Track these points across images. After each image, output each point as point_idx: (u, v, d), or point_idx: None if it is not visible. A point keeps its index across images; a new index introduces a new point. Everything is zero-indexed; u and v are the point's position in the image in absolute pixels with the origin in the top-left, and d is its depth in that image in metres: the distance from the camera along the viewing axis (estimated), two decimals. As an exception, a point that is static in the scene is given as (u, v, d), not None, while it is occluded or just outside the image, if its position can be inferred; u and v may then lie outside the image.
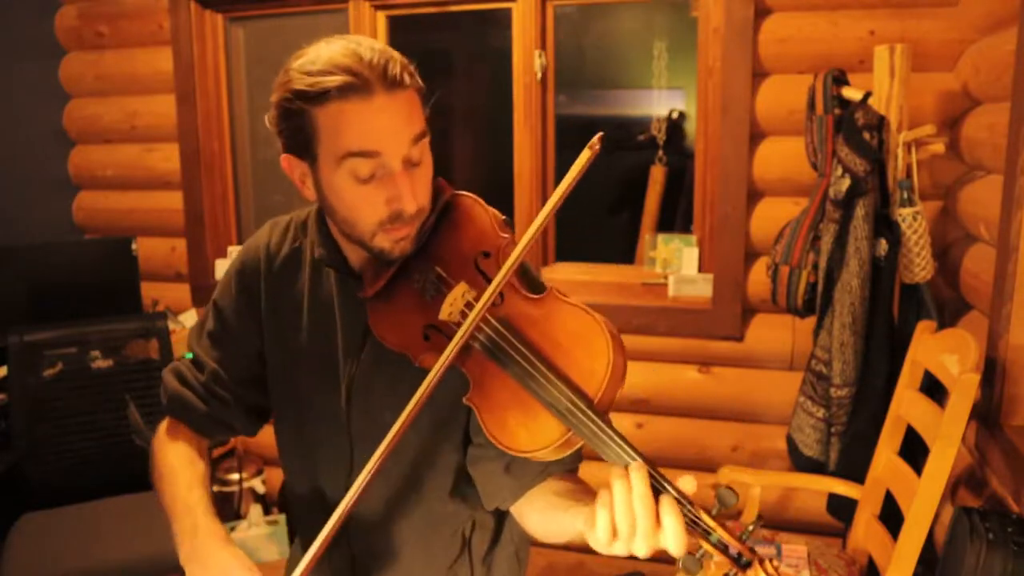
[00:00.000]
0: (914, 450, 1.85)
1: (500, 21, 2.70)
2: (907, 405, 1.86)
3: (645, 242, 2.79)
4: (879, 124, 1.92)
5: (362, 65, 0.89)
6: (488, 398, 0.88)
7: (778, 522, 2.43)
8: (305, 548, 1.10)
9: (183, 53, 2.92)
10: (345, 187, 0.94)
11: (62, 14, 3.06)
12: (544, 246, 2.77)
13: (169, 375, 1.18)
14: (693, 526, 0.77)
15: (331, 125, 0.91)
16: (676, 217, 2.99)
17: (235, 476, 2.88)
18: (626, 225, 3.16)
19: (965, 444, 1.79)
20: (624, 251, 3.04)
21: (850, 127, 1.93)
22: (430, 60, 3.08)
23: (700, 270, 2.58)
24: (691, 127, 2.85)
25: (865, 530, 1.92)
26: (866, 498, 1.94)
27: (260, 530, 2.74)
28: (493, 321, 0.89)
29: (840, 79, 2.05)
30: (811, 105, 2.08)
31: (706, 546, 0.77)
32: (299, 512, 1.22)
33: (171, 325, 2.59)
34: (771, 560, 0.78)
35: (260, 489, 2.93)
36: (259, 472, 2.92)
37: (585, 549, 2.94)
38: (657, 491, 0.78)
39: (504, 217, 1.00)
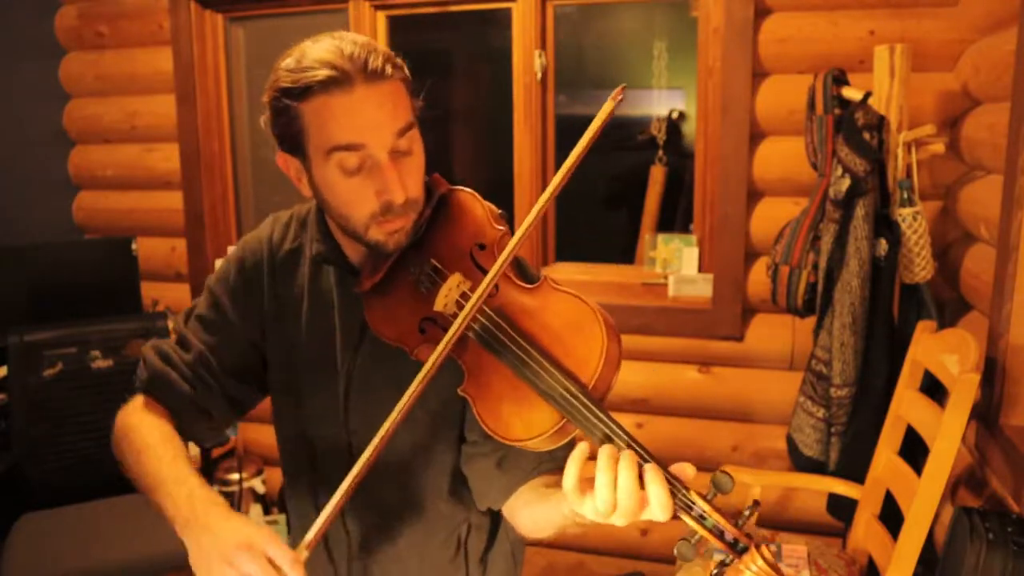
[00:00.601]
0: (914, 450, 1.85)
1: (500, 21, 2.70)
2: (907, 405, 1.86)
3: (645, 242, 2.79)
4: (879, 124, 1.92)
5: (343, 59, 0.91)
6: (482, 388, 0.88)
7: (778, 522, 2.43)
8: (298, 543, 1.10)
9: (183, 53, 2.92)
10: (335, 181, 0.95)
11: (62, 14, 3.06)
12: (544, 246, 2.77)
13: (150, 352, 1.14)
14: (687, 510, 0.77)
15: (316, 120, 0.93)
16: (676, 217, 2.99)
17: (235, 476, 2.88)
18: (626, 225, 3.16)
19: (965, 444, 1.79)
20: (624, 251, 3.04)
21: (850, 127, 1.93)
22: (430, 60, 3.08)
23: (700, 270, 2.58)
24: (691, 127, 2.85)
25: (865, 530, 1.92)
26: (866, 498, 1.94)
27: (260, 530, 2.73)
28: (488, 311, 0.90)
29: (840, 79, 2.05)
30: (811, 105, 2.08)
31: (701, 531, 0.77)
32: (295, 506, 1.21)
33: (171, 325, 2.59)
34: (767, 545, 0.77)
35: (260, 489, 2.93)
36: (259, 472, 2.92)
37: (585, 549, 2.95)
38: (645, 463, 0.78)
39: (500, 211, 1.01)
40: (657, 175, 2.99)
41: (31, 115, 3.05)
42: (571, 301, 0.87)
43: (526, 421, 0.84)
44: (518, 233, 0.89)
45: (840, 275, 1.98)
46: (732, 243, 2.42)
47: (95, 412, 2.41)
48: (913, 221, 1.95)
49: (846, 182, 1.92)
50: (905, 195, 1.96)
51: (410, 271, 1.00)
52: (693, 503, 0.77)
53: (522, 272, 1.02)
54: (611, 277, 2.74)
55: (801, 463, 2.14)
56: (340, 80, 0.91)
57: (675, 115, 3.00)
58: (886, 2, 2.21)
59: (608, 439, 0.79)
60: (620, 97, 0.88)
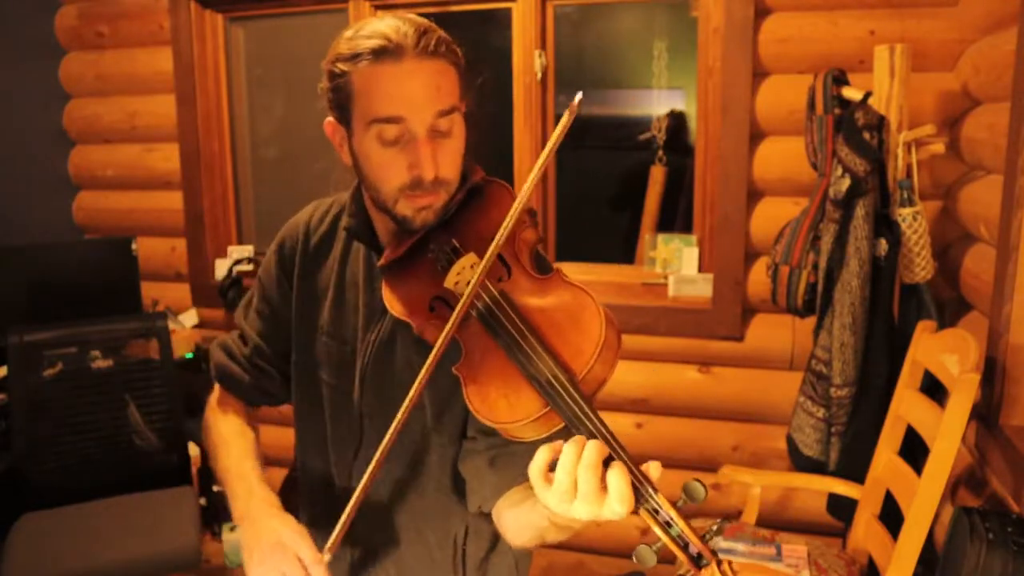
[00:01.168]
0: (914, 450, 1.85)
1: (500, 21, 2.70)
2: (907, 405, 1.86)
3: (645, 242, 2.79)
4: (879, 124, 1.92)
5: (399, 34, 0.94)
6: (475, 368, 0.89)
7: (778, 522, 2.43)
8: (310, 522, 1.11)
9: (183, 53, 2.92)
10: (372, 149, 0.98)
11: (62, 14, 3.06)
12: (544, 246, 2.78)
13: (216, 348, 1.25)
14: (652, 514, 0.75)
15: (363, 88, 0.96)
16: (676, 217, 2.99)
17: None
18: (626, 225, 3.16)
19: (965, 444, 1.79)
20: (624, 251, 3.04)
21: (850, 127, 1.93)
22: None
23: (700, 270, 2.58)
24: (691, 127, 2.85)
25: (865, 530, 1.92)
26: (866, 498, 1.94)
27: (260, 530, 2.73)
28: (493, 291, 0.91)
29: (840, 79, 2.05)
30: (811, 105, 2.08)
31: (664, 538, 0.75)
32: (308, 485, 1.24)
33: (171, 325, 2.59)
34: (729, 563, 0.75)
35: (260, 489, 2.93)
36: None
37: (585, 549, 2.95)
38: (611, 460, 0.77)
39: (532, 208, 1.03)
40: (657, 175, 2.99)
41: (31, 115, 3.05)
42: (576, 294, 0.88)
43: (511, 404, 0.84)
44: (515, 203, 0.91)
45: (840, 275, 1.98)
46: (732, 243, 2.42)
47: (95, 412, 2.41)
48: (913, 221, 1.95)
49: (846, 182, 1.92)
50: (905, 195, 1.96)
51: (430, 249, 1.02)
52: (660, 507, 0.75)
53: (538, 262, 1.03)
54: (611, 277, 2.74)
55: (801, 463, 2.14)
56: (391, 51, 0.94)
57: (674, 115, 3.00)
58: (886, 2, 2.21)
59: (587, 429, 0.79)
60: (576, 108, 0.89)
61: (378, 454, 0.93)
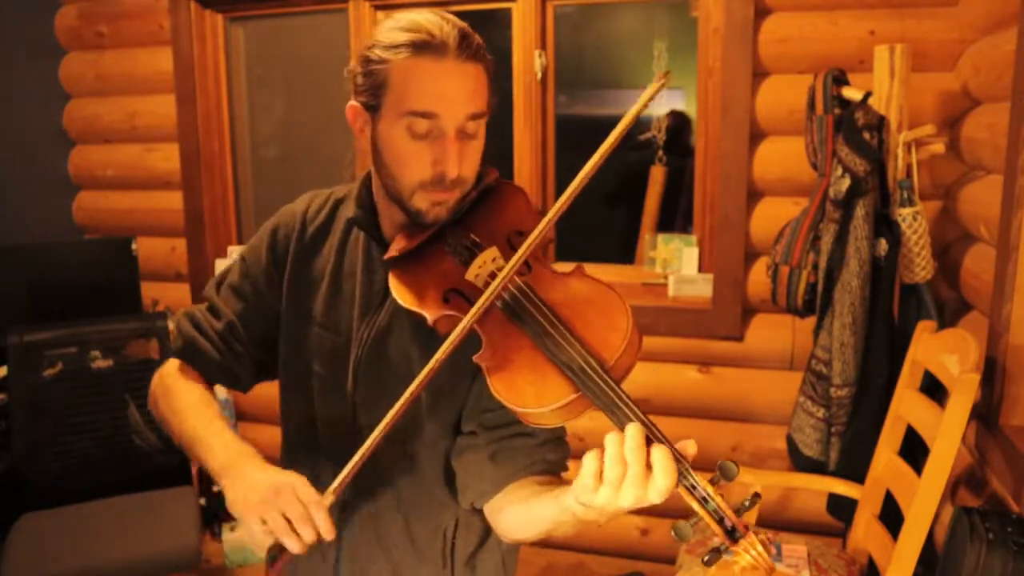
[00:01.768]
0: (914, 450, 1.85)
1: (500, 21, 2.70)
2: (907, 405, 1.86)
3: (645, 242, 2.79)
4: (879, 124, 1.92)
5: (443, 32, 0.96)
6: (499, 357, 0.90)
7: (778, 522, 2.43)
8: None
9: (183, 53, 2.92)
10: (400, 141, 0.99)
11: (62, 14, 3.06)
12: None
13: (184, 319, 1.20)
14: (691, 490, 0.78)
15: (401, 78, 0.97)
16: (676, 217, 2.99)
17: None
18: (626, 225, 3.16)
19: (965, 444, 1.79)
20: (624, 251, 3.04)
21: (850, 127, 1.93)
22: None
23: (700, 270, 2.58)
24: (691, 127, 2.85)
25: (865, 530, 1.92)
26: (866, 498, 1.94)
27: (260, 530, 2.73)
28: (519, 282, 0.93)
29: (840, 79, 2.05)
30: (811, 105, 2.08)
31: (701, 512, 0.78)
32: (293, 467, 1.21)
33: (171, 325, 2.59)
34: (768, 537, 0.80)
35: (260, 489, 2.93)
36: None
37: (585, 549, 2.95)
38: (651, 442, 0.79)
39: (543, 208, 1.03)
40: (657, 175, 2.99)
41: (31, 115, 3.05)
42: (602, 288, 0.91)
43: (539, 391, 0.85)
44: (553, 209, 0.93)
45: (840, 275, 1.98)
46: (732, 243, 2.42)
47: (95, 412, 2.41)
48: (913, 221, 1.95)
49: (846, 182, 1.92)
50: (905, 195, 1.96)
51: (446, 242, 1.03)
52: (697, 483, 0.78)
53: (545, 251, 1.06)
54: (611, 277, 2.74)
55: (801, 463, 2.14)
56: (436, 47, 0.95)
57: (673, 116, 3.00)
58: (886, 2, 2.21)
59: (623, 413, 0.81)
60: (663, 81, 0.91)
61: (382, 425, 0.92)
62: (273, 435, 1.27)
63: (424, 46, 0.95)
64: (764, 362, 2.47)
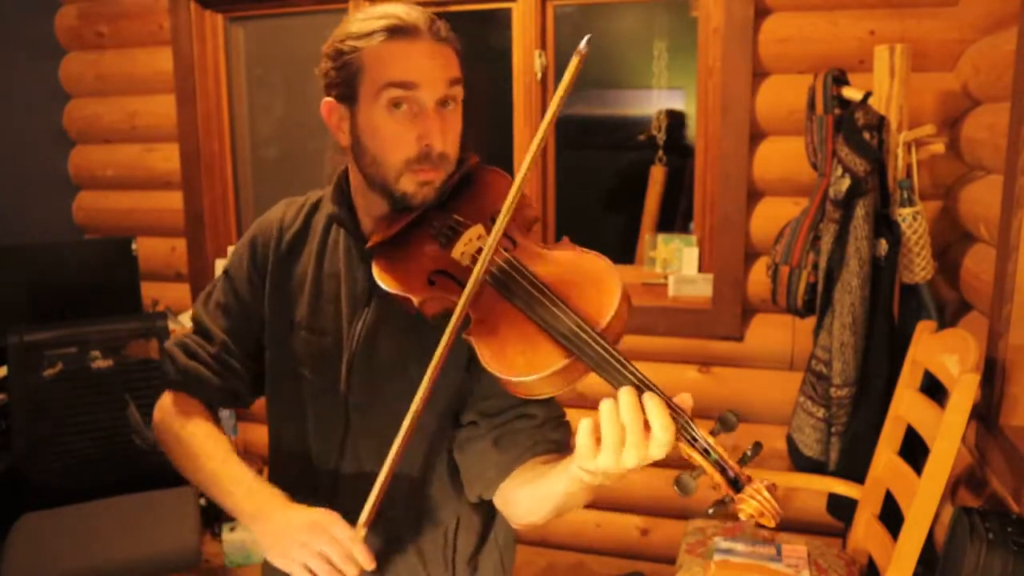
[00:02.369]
0: (914, 450, 1.85)
1: (500, 21, 2.70)
2: (907, 405, 1.86)
3: (645, 242, 2.79)
4: (879, 124, 1.92)
5: (412, 17, 1.00)
6: (489, 331, 0.90)
7: (778, 522, 2.43)
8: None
9: (183, 53, 2.92)
10: (381, 120, 1.00)
11: (62, 14, 3.06)
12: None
13: (176, 349, 1.18)
14: (692, 443, 0.78)
15: (376, 61, 0.99)
16: (676, 217, 2.99)
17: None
18: (626, 225, 3.16)
19: (965, 444, 1.79)
20: (624, 251, 3.04)
21: (850, 127, 1.93)
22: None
23: (700, 270, 2.58)
24: (691, 127, 2.85)
25: (865, 530, 1.92)
26: (866, 498, 1.94)
27: (260, 530, 2.73)
28: (507, 255, 0.94)
29: (840, 79, 2.05)
30: (811, 105, 2.08)
31: (704, 464, 0.77)
32: (283, 483, 1.17)
33: (171, 325, 2.59)
34: (773, 484, 0.78)
35: (260, 489, 2.93)
36: (259, 472, 2.92)
37: (585, 549, 2.94)
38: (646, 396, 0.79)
39: (526, 194, 1.04)
40: (657, 175, 2.99)
41: (31, 115, 3.05)
42: (590, 256, 0.91)
43: (530, 359, 0.85)
44: (520, 173, 0.91)
45: (840, 275, 1.98)
46: (732, 243, 2.42)
47: (95, 412, 2.41)
48: (913, 221, 1.95)
49: (846, 182, 1.92)
50: (905, 195, 1.96)
51: (430, 226, 1.03)
52: (697, 436, 0.78)
53: (530, 230, 1.05)
54: (611, 277, 2.73)
55: (801, 463, 2.14)
56: (408, 30, 0.99)
57: (668, 115, 3.00)
58: (886, 2, 2.21)
59: (619, 373, 0.80)
60: (585, 52, 0.88)
61: (400, 438, 0.93)
62: (265, 435, 1.26)
63: (397, 30, 0.98)
64: (764, 362, 2.47)
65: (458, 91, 1.02)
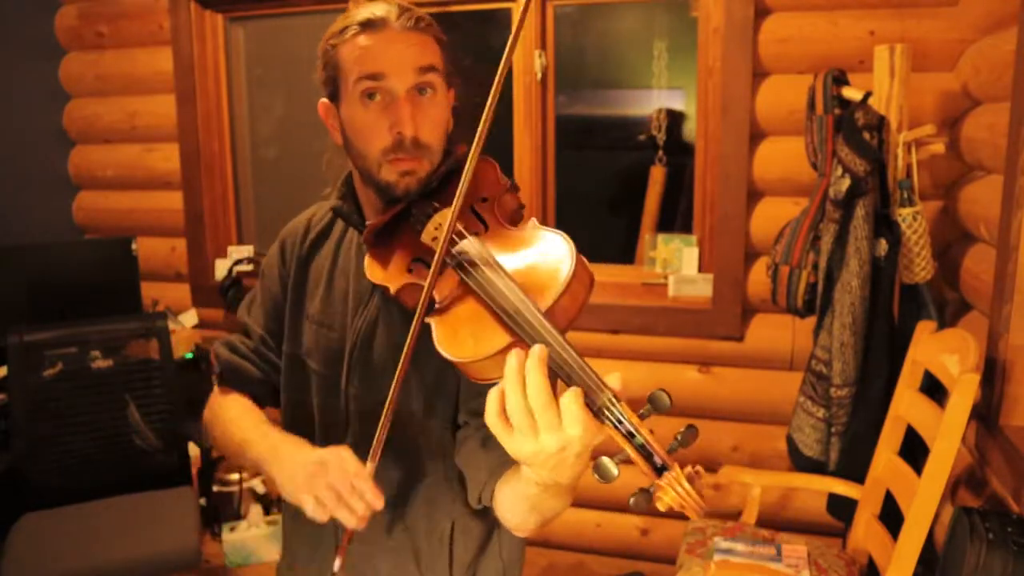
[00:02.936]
0: (914, 450, 1.85)
1: (500, 21, 2.70)
2: (907, 405, 1.86)
3: (645, 242, 2.79)
4: (879, 124, 1.92)
5: (384, 11, 1.02)
6: (446, 314, 0.90)
7: (778, 522, 2.43)
8: (298, 513, 1.10)
9: (183, 53, 2.92)
10: (357, 113, 1.02)
11: (62, 14, 3.07)
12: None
13: (221, 347, 1.24)
14: (617, 425, 0.73)
15: (350, 56, 1.02)
16: (676, 217, 2.99)
17: (235, 476, 2.88)
18: (626, 225, 3.16)
19: (965, 444, 1.79)
20: (624, 251, 3.04)
21: (850, 127, 1.93)
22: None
23: (700, 270, 2.58)
24: (691, 127, 2.85)
25: (865, 530, 1.92)
26: (866, 498, 1.94)
27: (260, 530, 2.74)
28: (468, 236, 0.94)
29: (840, 79, 2.05)
30: (811, 105, 2.08)
31: (627, 448, 0.72)
32: None
33: (171, 325, 2.59)
34: (696, 471, 0.72)
35: (260, 489, 2.93)
36: (259, 472, 2.92)
37: (585, 549, 2.95)
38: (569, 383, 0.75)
39: (515, 184, 1.05)
40: (657, 175, 2.99)
41: (31, 115, 3.05)
42: (547, 234, 0.91)
43: (477, 340, 0.84)
44: (473, 146, 0.89)
45: (840, 275, 1.98)
46: (732, 243, 2.42)
47: (95, 412, 2.41)
48: (913, 221, 1.95)
49: (846, 182, 1.92)
50: (905, 195, 1.96)
51: (413, 214, 1.04)
52: (623, 418, 0.73)
53: (515, 221, 1.04)
54: (611, 277, 2.74)
55: (801, 463, 2.14)
56: (377, 23, 1.01)
57: (665, 114, 2.99)
58: (886, 2, 2.21)
59: (557, 356, 0.76)
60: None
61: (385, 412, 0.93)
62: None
63: (367, 24, 1.01)
64: (764, 362, 2.47)
65: (434, 78, 1.03)
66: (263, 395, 1.23)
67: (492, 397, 0.75)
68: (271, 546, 2.71)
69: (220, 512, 2.84)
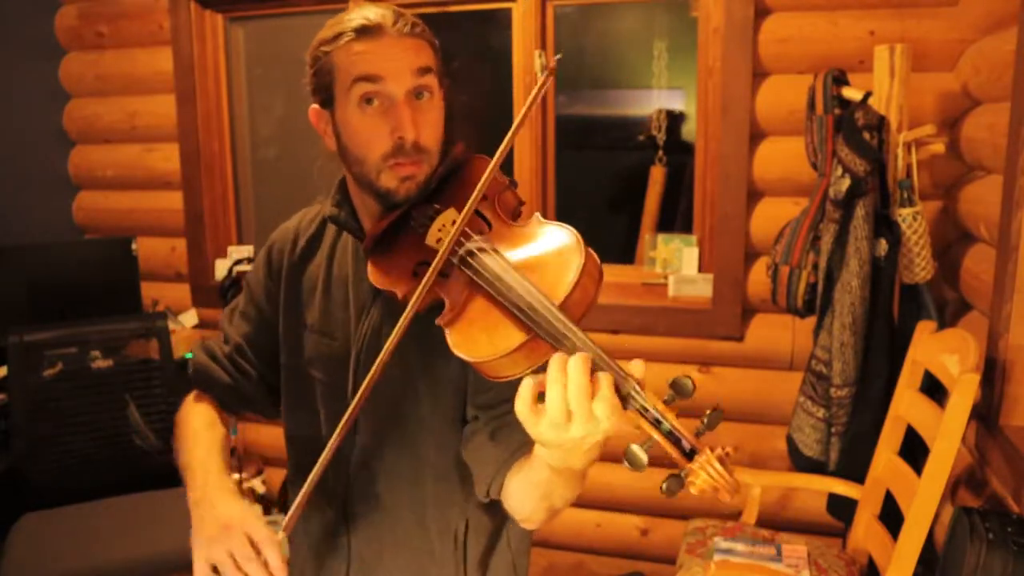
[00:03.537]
0: (914, 450, 1.86)
1: (500, 21, 2.70)
2: (907, 405, 1.86)
3: (645, 242, 2.79)
4: (879, 124, 1.92)
5: (378, 16, 1.02)
6: (458, 314, 0.90)
7: (778, 522, 2.43)
8: (307, 525, 1.10)
9: (183, 53, 2.92)
10: (355, 118, 1.01)
11: (62, 14, 3.06)
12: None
13: (199, 350, 1.25)
14: (643, 413, 0.74)
15: (345, 60, 1.01)
16: (676, 217, 2.99)
17: (235, 476, 2.88)
18: (626, 225, 3.16)
19: (965, 444, 1.79)
20: (624, 251, 3.04)
21: (850, 127, 1.93)
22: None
23: (700, 270, 2.58)
24: (691, 127, 2.85)
25: (865, 530, 1.92)
26: (866, 498, 1.94)
27: (260, 530, 2.73)
28: (474, 236, 0.94)
29: (840, 79, 2.05)
30: (811, 105, 2.08)
31: (656, 435, 0.73)
32: (299, 479, 1.20)
33: (171, 325, 2.59)
34: (726, 452, 0.73)
35: (260, 489, 2.93)
36: (259, 472, 2.92)
37: (585, 549, 2.94)
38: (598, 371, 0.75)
39: (514, 180, 1.05)
40: (657, 175, 2.99)
41: (31, 115, 3.05)
42: (555, 229, 0.91)
43: (492, 339, 0.84)
44: (493, 160, 0.92)
45: (840, 275, 1.98)
46: (732, 243, 2.42)
47: (95, 412, 2.41)
48: (913, 221, 1.95)
49: (846, 182, 1.92)
50: (905, 195, 1.96)
51: (413, 217, 1.04)
52: (648, 405, 0.74)
53: (516, 217, 1.05)
54: (611, 277, 2.74)
55: (801, 463, 2.14)
56: (371, 29, 1.00)
57: (664, 114, 2.99)
58: (886, 2, 2.21)
59: (572, 344, 0.78)
60: (553, 65, 0.90)
61: (348, 411, 0.93)
62: (273, 434, 1.27)
63: (363, 30, 1.00)
64: (764, 362, 2.47)
65: (430, 81, 1.03)
66: (230, 401, 1.23)
67: (525, 388, 0.76)
68: (271, 546, 2.71)
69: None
